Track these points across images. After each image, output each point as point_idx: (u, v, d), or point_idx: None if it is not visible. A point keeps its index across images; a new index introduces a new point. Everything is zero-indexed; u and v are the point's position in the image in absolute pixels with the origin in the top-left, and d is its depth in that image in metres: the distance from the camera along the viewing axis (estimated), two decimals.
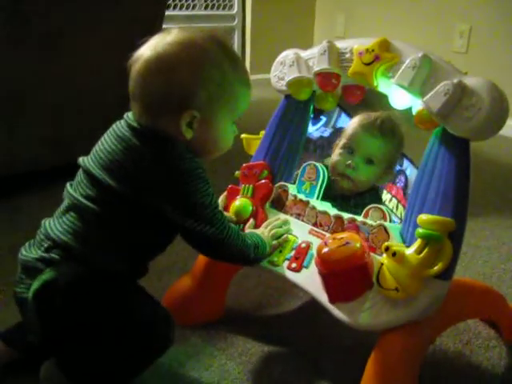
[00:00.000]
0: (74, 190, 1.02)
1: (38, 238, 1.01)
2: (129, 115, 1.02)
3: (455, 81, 0.94)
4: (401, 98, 1.05)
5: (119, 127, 1.01)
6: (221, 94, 0.99)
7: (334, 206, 1.15)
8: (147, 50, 0.97)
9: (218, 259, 1.13)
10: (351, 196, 1.26)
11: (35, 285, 0.95)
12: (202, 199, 0.99)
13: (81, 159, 1.04)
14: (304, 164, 1.23)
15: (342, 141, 1.29)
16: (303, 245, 1.11)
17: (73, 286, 0.95)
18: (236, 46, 4.24)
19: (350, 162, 1.24)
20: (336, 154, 1.28)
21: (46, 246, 0.98)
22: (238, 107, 1.05)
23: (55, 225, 1.00)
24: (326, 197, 1.20)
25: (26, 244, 1.03)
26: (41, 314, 0.96)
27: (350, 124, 1.30)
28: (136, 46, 0.99)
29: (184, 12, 4.01)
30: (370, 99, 1.22)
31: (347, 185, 1.25)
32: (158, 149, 0.97)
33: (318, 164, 1.21)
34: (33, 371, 1.05)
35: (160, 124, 0.98)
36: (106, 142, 1.01)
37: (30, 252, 1.00)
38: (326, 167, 1.24)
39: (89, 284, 0.96)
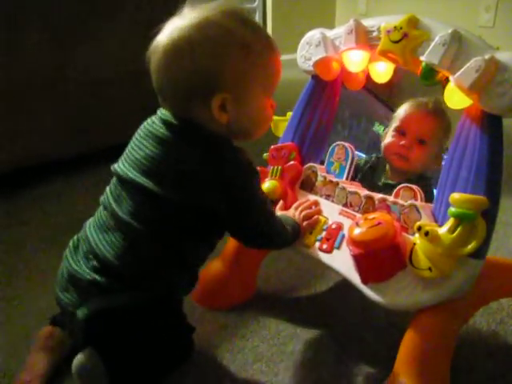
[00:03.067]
0: (118, 204, 0.95)
1: (84, 248, 0.97)
2: (162, 111, 0.97)
3: (487, 56, 0.92)
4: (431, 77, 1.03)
5: (155, 127, 0.96)
6: (247, 68, 0.93)
7: None
8: (162, 38, 0.92)
9: (260, 248, 1.13)
10: (398, 185, 1.25)
11: (87, 310, 0.92)
12: (256, 198, 0.98)
13: (117, 167, 0.99)
14: (333, 144, 1.23)
15: (393, 124, 1.30)
16: (334, 226, 1.11)
17: (127, 316, 0.93)
18: None
19: (403, 142, 1.25)
20: (389, 137, 1.30)
21: (93, 263, 0.94)
22: (270, 77, 0.98)
23: (100, 241, 0.95)
24: (378, 188, 1.21)
25: (71, 247, 1.00)
26: (89, 335, 0.94)
27: (401, 108, 1.32)
28: (154, 31, 0.94)
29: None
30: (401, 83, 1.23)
31: (403, 165, 1.27)
32: (203, 147, 0.93)
33: (346, 144, 1.21)
34: None
35: (193, 115, 0.93)
36: (145, 146, 0.96)
37: (77, 263, 0.96)
38: (379, 158, 1.26)
39: (144, 312, 0.94)
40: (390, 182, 1.29)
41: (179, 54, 0.90)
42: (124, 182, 0.96)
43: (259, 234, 1.02)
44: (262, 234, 1.03)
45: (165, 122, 0.95)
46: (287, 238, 1.09)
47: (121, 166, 0.98)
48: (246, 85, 0.94)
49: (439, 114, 1.26)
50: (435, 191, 1.09)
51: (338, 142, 1.22)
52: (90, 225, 1.00)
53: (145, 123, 1.00)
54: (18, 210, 1.84)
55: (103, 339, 0.94)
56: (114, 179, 1.00)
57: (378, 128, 1.40)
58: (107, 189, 1.01)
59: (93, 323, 0.92)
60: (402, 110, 1.31)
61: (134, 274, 0.94)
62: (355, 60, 1.17)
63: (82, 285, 0.94)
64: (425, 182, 1.27)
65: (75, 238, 1.03)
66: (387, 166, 1.32)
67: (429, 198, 1.08)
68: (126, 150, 1.00)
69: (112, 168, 1.00)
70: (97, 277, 0.93)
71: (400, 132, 1.28)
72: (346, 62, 1.18)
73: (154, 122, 0.97)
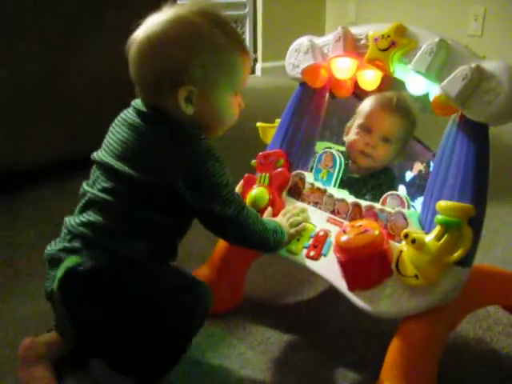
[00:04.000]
0: (91, 186, 1.02)
1: (62, 234, 1.02)
2: (136, 101, 1.03)
3: (473, 65, 0.92)
4: (418, 84, 1.04)
5: (128, 115, 1.02)
6: (215, 64, 0.99)
7: (351, 191, 1.16)
8: (140, 32, 0.98)
9: (236, 243, 1.11)
10: (367, 179, 1.25)
11: (58, 273, 0.95)
12: (218, 179, 0.99)
13: (95, 154, 1.04)
14: (320, 152, 1.23)
15: (357, 121, 1.28)
16: (321, 233, 1.11)
17: (96, 270, 0.94)
18: (248, 34, 4.21)
19: (368, 140, 1.24)
20: (353, 134, 1.28)
21: (68, 238, 0.99)
22: (237, 76, 1.03)
23: (75, 220, 1.00)
24: (342, 182, 1.20)
25: (52, 241, 1.04)
26: (67, 303, 0.97)
27: (365, 104, 1.29)
28: (134, 26, 1.00)
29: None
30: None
31: (367, 162, 1.26)
32: (169, 132, 0.98)
33: (334, 151, 1.21)
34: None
35: (162, 104, 0.99)
36: (118, 132, 1.02)
37: (54, 246, 1.01)
38: (343, 153, 1.24)
39: (111, 268, 0.95)
40: (353, 175, 1.28)
41: (151, 47, 0.97)
42: (100, 166, 1.02)
43: (224, 222, 1.02)
44: (226, 222, 1.03)
45: (136, 110, 1.01)
46: (265, 236, 1.07)
47: (98, 153, 1.04)
48: (212, 80, 0.99)
49: (404, 112, 1.25)
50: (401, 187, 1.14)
51: (326, 149, 1.22)
52: (67, 218, 1.04)
53: (121, 113, 1.05)
54: (10, 213, 1.83)
55: (81, 303, 0.96)
56: (94, 166, 1.04)
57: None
58: (83, 183, 1.05)
59: (66, 284, 0.95)
60: (367, 106, 1.28)
61: (100, 237, 0.97)
62: (343, 67, 1.18)
63: (54, 257, 0.99)
64: (388, 173, 1.28)
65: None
66: (349, 161, 1.30)
67: (392, 187, 1.14)
68: (105, 137, 1.05)
69: (91, 156, 1.05)
70: (66, 244, 0.98)
71: (364, 129, 1.26)
72: (334, 70, 1.19)
73: (128, 111, 1.04)
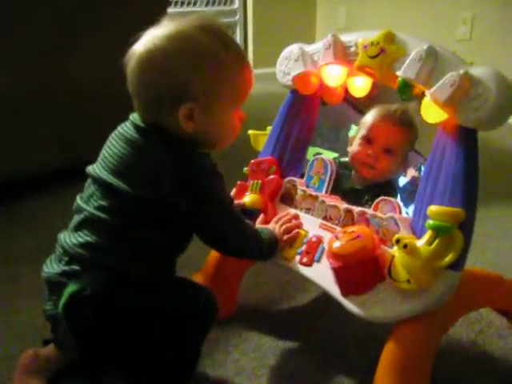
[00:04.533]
0: (86, 202, 1.00)
1: (58, 253, 1.00)
2: (134, 115, 1.01)
3: (461, 71, 0.93)
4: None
5: (125, 129, 1.00)
6: (216, 81, 0.97)
7: (351, 202, 1.16)
8: (138, 46, 0.96)
9: (232, 255, 1.13)
10: (365, 190, 1.26)
11: (63, 300, 0.94)
12: (217, 196, 0.99)
13: (90, 168, 1.03)
14: (312, 158, 1.24)
15: (360, 132, 1.29)
16: (314, 239, 1.12)
17: (99, 292, 0.94)
18: (238, 41, 4.22)
19: (370, 151, 1.25)
20: (355, 145, 1.29)
21: (65, 259, 0.97)
22: (238, 91, 1.02)
23: (71, 240, 0.98)
24: (345, 193, 1.21)
25: (47, 260, 1.02)
26: (73, 327, 0.96)
27: (369, 116, 1.30)
28: (132, 39, 0.98)
29: (185, 9, 4.02)
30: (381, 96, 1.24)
31: (369, 174, 1.27)
32: (168, 149, 0.96)
33: (325, 158, 1.22)
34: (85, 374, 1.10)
35: (161, 120, 0.97)
36: (114, 146, 1.00)
37: (51, 268, 0.99)
38: (340, 163, 1.26)
39: (114, 288, 0.95)
40: (356, 187, 1.29)
41: (152, 62, 0.95)
42: (95, 181, 1.00)
43: (220, 236, 1.04)
44: (223, 237, 1.04)
45: (134, 125, 0.99)
46: (259, 247, 1.09)
47: (94, 167, 1.02)
48: (213, 97, 0.97)
49: (407, 124, 1.26)
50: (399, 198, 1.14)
51: (317, 156, 1.23)
52: (62, 233, 1.03)
53: (118, 126, 1.04)
54: (8, 222, 1.83)
55: (88, 326, 0.95)
56: (88, 180, 1.03)
57: (354, 132, 1.39)
58: (77, 196, 1.04)
59: (71, 310, 0.94)
60: (369, 118, 1.30)
61: (98, 258, 0.96)
62: (333, 74, 1.18)
63: (54, 281, 0.97)
64: (390, 185, 1.28)
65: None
66: (353, 172, 1.31)
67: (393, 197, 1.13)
68: (101, 151, 1.04)
69: (86, 170, 1.04)
70: (65, 267, 0.96)
71: (367, 140, 1.27)
72: (324, 77, 1.19)
73: (126, 125, 1.02)
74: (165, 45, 0.94)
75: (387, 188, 1.26)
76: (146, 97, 0.97)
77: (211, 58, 0.96)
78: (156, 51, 0.94)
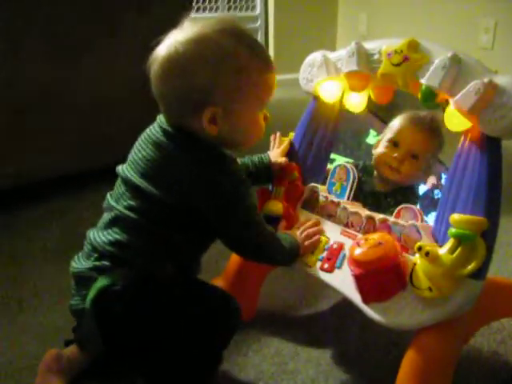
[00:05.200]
0: (116, 201, 1.03)
1: (86, 250, 1.03)
2: (161, 118, 1.03)
3: (486, 80, 0.93)
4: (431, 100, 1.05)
5: (154, 132, 1.02)
6: (240, 84, 0.97)
7: (371, 207, 1.17)
8: (162, 50, 0.97)
9: (254, 260, 1.14)
10: (386, 193, 1.27)
11: (91, 294, 0.96)
12: (242, 203, 1.00)
13: (120, 168, 1.05)
14: (334, 165, 1.24)
15: (387, 135, 1.30)
16: (335, 245, 1.12)
17: (130, 289, 0.96)
18: None
19: (396, 154, 1.25)
20: (381, 147, 1.29)
21: (95, 256, 1.00)
22: (262, 94, 1.02)
23: (100, 237, 1.01)
24: (365, 196, 1.22)
25: (75, 257, 1.05)
26: (101, 321, 0.98)
27: (397, 120, 1.31)
28: (155, 42, 0.99)
29: (207, 14, 4.03)
30: (398, 101, 1.23)
31: (393, 177, 1.27)
32: (194, 154, 0.98)
33: (348, 165, 1.22)
34: (107, 375, 1.11)
35: (186, 123, 0.98)
36: (144, 149, 1.02)
37: (80, 263, 1.02)
38: (362, 167, 1.26)
39: (144, 286, 0.97)
40: (378, 190, 1.29)
41: (174, 66, 0.96)
42: (124, 181, 1.03)
43: (244, 242, 1.05)
44: (247, 243, 1.06)
45: (162, 129, 1.01)
46: (281, 253, 1.10)
47: (123, 168, 1.05)
48: (237, 101, 0.98)
49: (434, 130, 1.26)
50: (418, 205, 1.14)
51: (340, 163, 1.23)
52: (91, 231, 1.05)
53: (147, 129, 1.05)
54: (20, 226, 1.84)
55: (116, 322, 0.97)
56: (118, 180, 1.06)
57: (373, 138, 1.39)
58: (108, 194, 1.07)
59: (99, 304, 0.96)
60: (397, 122, 1.30)
61: (127, 256, 0.98)
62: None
63: (83, 276, 1.00)
64: (412, 191, 1.29)
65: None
66: (375, 173, 1.32)
67: (414, 203, 1.14)
68: (131, 152, 1.06)
69: (116, 169, 1.06)
70: (96, 263, 0.99)
71: (393, 144, 1.28)
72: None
73: (154, 128, 1.03)
74: (187, 49, 0.95)
75: (409, 194, 1.26)
76: (169, 100, 0.99)
77: (234, 62, 0.96)
78: (178, 56, 0.95)
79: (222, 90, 0.96)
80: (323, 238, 1.15)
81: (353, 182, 1.20)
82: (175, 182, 0.98)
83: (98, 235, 1.01)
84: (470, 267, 0.93)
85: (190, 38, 0.95)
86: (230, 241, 1.05)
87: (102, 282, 0.96)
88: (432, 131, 1.26)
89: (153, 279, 0.98)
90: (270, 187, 1.26)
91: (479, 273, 0.94)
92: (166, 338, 0.98)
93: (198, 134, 0.98)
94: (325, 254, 1.12)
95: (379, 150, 1.30)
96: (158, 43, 0.99)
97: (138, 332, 0.98)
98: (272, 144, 1.31)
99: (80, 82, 1.97)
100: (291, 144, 1.29)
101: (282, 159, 1.23)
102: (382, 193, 1.28)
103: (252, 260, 1.15)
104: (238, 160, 1.09)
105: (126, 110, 2.03)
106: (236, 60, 0.96)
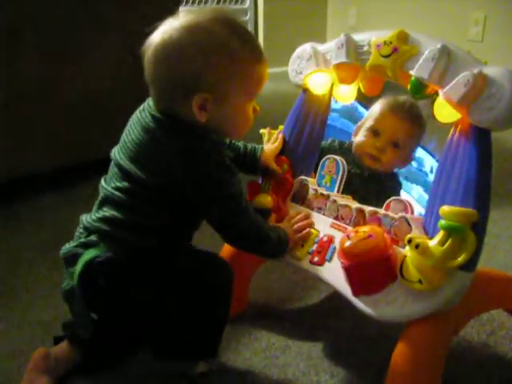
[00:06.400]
0: (107, 183, 1.04)
1: (77, 233, 1.04)
2: (149, 103, 1.03)
3: (475, 71, 0.93)
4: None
5: (143, 116, 1.03)
6: (231, 73, 0.98)
7: (355, 196, 1.17)
8: (156, 37, 0.98)
9: (242, 249, 1.14)
10: (371, 182, 1.27)
11: (78, 268, 0.98)
12: (229, 191, 1.00)
13: (112, 152, 1.06)
14: (324, 158, 1.23)
15: (367, 123, 1.29)
16: (325, 238, 1.11)
17: (113, 259, 0.97)
18: None
19: (377, 143, 1.25)
20: (361, 136, 1.28)
21: (84, 235, 1.02)
22: (253, 84, 1.03)
23: (91, 217, 1.03)
24: (347, 186, 1.21)
25: (66, 244, 1.05)
26: (88, 297, 0.99)
27: (376, 106, 1.30)
28: (150, 28, 1.00)
29: (196, 7, 4.01)
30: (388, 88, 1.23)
31: (374, 165, 1.26)
32: (182, 139, 0.98)
33: (337, 157, 1.21)
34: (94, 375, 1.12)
35: (176, 109, 0.99)
36: (133, 132, 1.03)
37: (68, 246, 1.04)
38: (350, 150, 1.28)
39: (128, 257, 0.98)
40: (357, 171, 1.28)
41: (167, 53, 0.97)
42: (116, 164, 1.04)
43: (232, 230, 1.06)
44: (234, 231, 1.06)
45: (152, 115, 1.01)
46: (269, 244, 1.09)
47: (115, 151, 1.06)
48: (227, 89, 0.99)
49: (415, 118, 1.25)
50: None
51: (329, 156, 1.23)
52: (83, 215, 1.07)
53: (137, 111, 1.06)
54: (12, 220, 1.84)
55: (103, 295, 0.99)
56: (112, 162, 1.07)
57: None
58: (102, 178, 1.08)
59: (86, 278, 0.98)
60: (377, 109, 1.29)
61: (112, 230, 0.99)
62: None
63: (71, 254, 1.02)
64: (393, 179, 1.29)
65: None
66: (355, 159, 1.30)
67: (397, 193, 1.19)
68: (123, 136, 1.06)
69: (110, 153, 1.07)
70: (83, 240, 1.01)
71: (374, 132, 1.27)
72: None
73: (144, 111, 1.04)
74: (181, 36, 0.96)
75: (391, 182, 1.26)
76: (160, 85, 0.99)
77: (226, 50, 0.97)
78: (171, 42, 0.96)
79: (213, 78, 0.97)
80: (313, 231, 1.15)
81: (342, 174, 1.19)
82: (163, 168, 0.98)
83: (90, 216, 1.03)
84: (460, 259, 0.93)
85: (184, 25, 0.97)
86: (218, 227, 1.05)
87: (87, 255, 0.98)
88: (413, 118, 1.25)
89: (139, 250, 0.99)
90: (260, 180, 1.25)
91: (469, 264, 0.94)
92: (161, 306, 1.00)
93: (187, 121, 0.99)
94: (315, 247, 1.12)
95: (359, 138, 1.29)
96: (153, 29, 0.99)
97: (128, 301, 1.00)
98: (267, 138, 1.30)
99: (68, 78, 1.96)
100: (285, 141, 1.28)
101: (274, 166, 1.23)
102: (361, 180, 1.27)
103: (240, 249, 1.14)
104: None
105: (114, 105, 2.02)
106: (228, 49, 0.97)
